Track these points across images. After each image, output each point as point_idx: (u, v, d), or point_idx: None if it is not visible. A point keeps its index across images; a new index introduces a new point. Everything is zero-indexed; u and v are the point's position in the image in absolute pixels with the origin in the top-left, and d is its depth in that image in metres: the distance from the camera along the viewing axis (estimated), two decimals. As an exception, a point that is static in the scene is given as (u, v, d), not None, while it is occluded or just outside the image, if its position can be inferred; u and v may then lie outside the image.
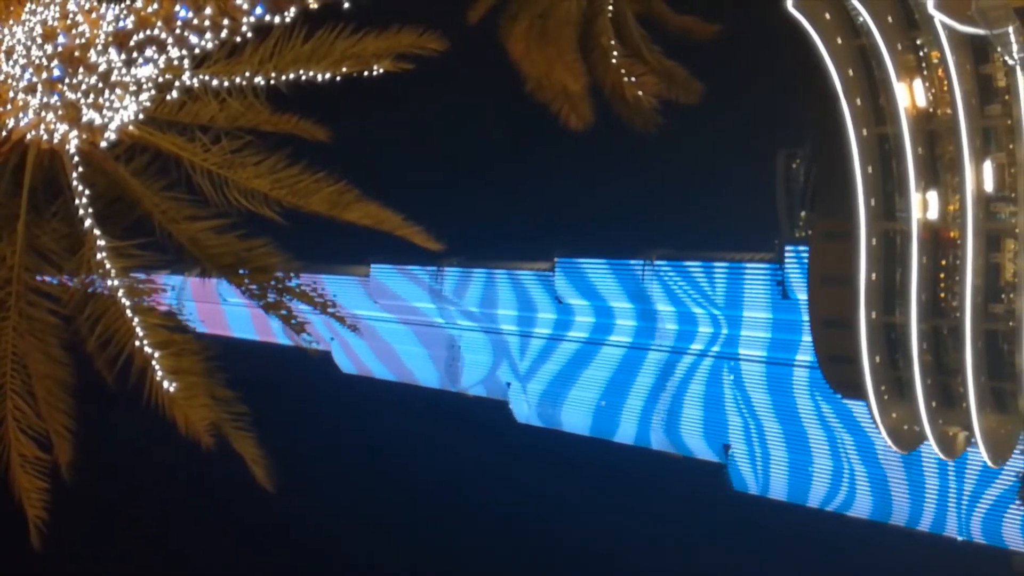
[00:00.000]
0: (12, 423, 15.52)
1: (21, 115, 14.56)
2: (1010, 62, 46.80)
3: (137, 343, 15.23)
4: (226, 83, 15.06)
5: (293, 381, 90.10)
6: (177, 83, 14.83)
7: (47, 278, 16.03)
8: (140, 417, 15.55)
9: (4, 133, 14.73)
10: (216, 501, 78.69)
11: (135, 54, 14.37)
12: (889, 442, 56.39)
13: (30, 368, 15.65)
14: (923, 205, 52.13)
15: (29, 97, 14.48)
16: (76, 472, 15.75)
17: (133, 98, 14.68)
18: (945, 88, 50.17)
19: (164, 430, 15.46)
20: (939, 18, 46.29)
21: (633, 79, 21.75)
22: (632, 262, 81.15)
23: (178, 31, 14.10)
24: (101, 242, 15.20)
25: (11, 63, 14.44)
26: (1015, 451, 55.75)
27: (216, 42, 14.44)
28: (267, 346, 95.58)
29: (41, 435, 15.72)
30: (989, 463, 54.06)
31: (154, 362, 15.21)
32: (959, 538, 66.22)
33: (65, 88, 14.44)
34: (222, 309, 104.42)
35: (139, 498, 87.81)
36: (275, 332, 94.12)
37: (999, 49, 46.59)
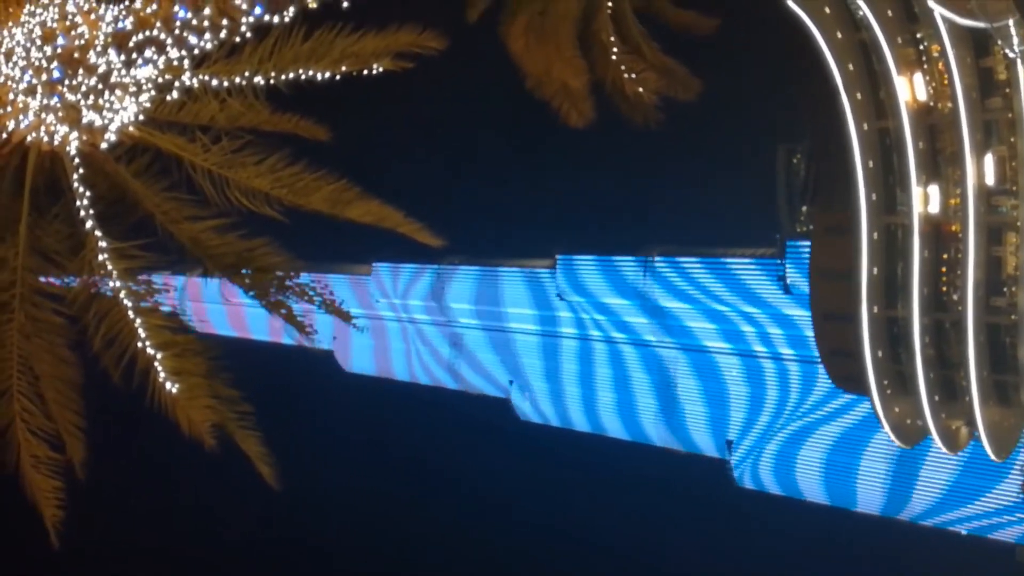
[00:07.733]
0: (21, 425, 15.54)
1: (21, 117, 14.59)
2: (1011, 55, 46.70)
3: (139, 344, 15.25)
4: (226, 83, 15.07)
5: (296, 380, 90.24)
6: (177, 83, 14.86)
7: (51, 279, 16.05)
8: (148, 417, 15.54)
9: (5, 135, 14.75)
10: (221, 499, 78.77)
11: (134, 55, 14.39)
12: (892, 436, 56.36)
13: (38, 369, 15.67)
14: (924, 199, 52.05)
15: (29, 99, 14.50)
16: (90, 471, 15.77)
17: (133, 99, 14.70)
18: (946, 82, 50.04)
19: (171, 430, 15.48)
20: (939, 11, 46.25)
21: (633, 75, 21.73)
22: (633, 258, 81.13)
23: (177, 32, 14.12)
24: (103, 243, 15.22)
25: (11, 65, 14.45)
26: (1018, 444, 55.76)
27: (215, 42, 14.47)
28: (270, 346, 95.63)
29: (51, 436, 15.73)
30: (992, 457, 54.02)
31: (156, 363, 15.23)
32: (964, 532, 66.23)
33: (65, 90, 14.46)
34: (223, 309, 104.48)
35: (143, 499, 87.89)
36: (277, 332, 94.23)
37: (999, 42, 46.50)
